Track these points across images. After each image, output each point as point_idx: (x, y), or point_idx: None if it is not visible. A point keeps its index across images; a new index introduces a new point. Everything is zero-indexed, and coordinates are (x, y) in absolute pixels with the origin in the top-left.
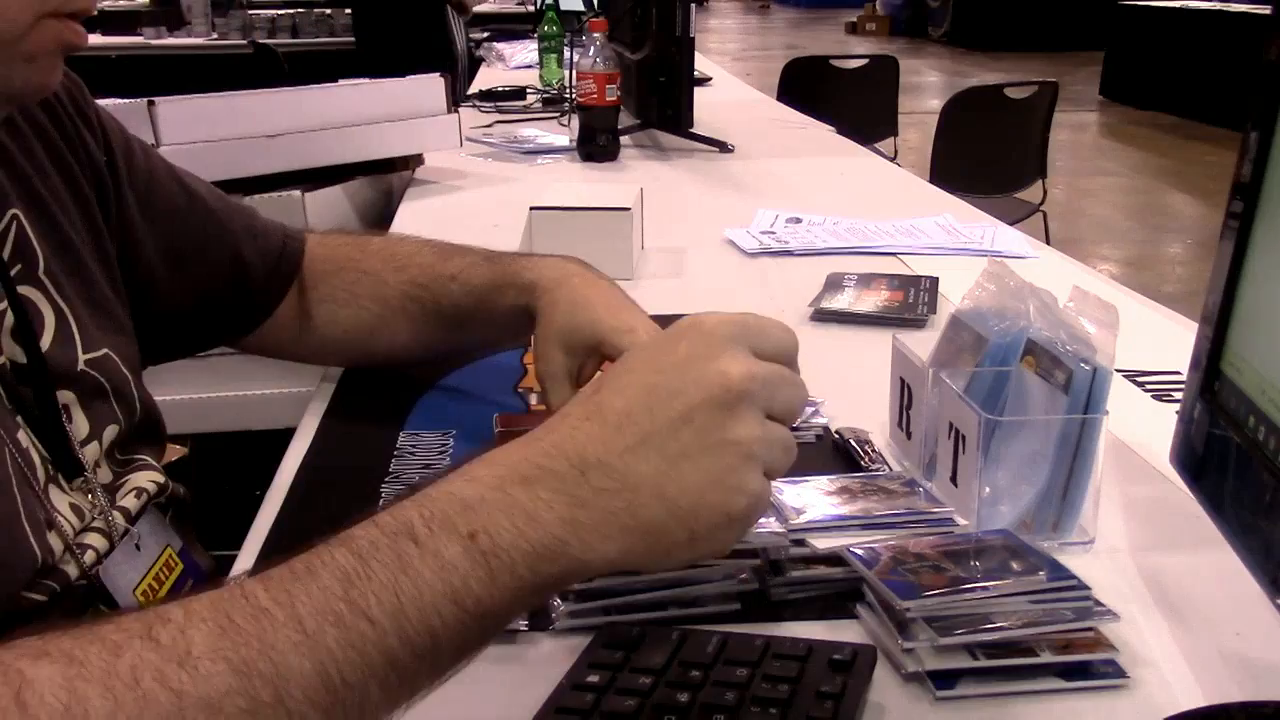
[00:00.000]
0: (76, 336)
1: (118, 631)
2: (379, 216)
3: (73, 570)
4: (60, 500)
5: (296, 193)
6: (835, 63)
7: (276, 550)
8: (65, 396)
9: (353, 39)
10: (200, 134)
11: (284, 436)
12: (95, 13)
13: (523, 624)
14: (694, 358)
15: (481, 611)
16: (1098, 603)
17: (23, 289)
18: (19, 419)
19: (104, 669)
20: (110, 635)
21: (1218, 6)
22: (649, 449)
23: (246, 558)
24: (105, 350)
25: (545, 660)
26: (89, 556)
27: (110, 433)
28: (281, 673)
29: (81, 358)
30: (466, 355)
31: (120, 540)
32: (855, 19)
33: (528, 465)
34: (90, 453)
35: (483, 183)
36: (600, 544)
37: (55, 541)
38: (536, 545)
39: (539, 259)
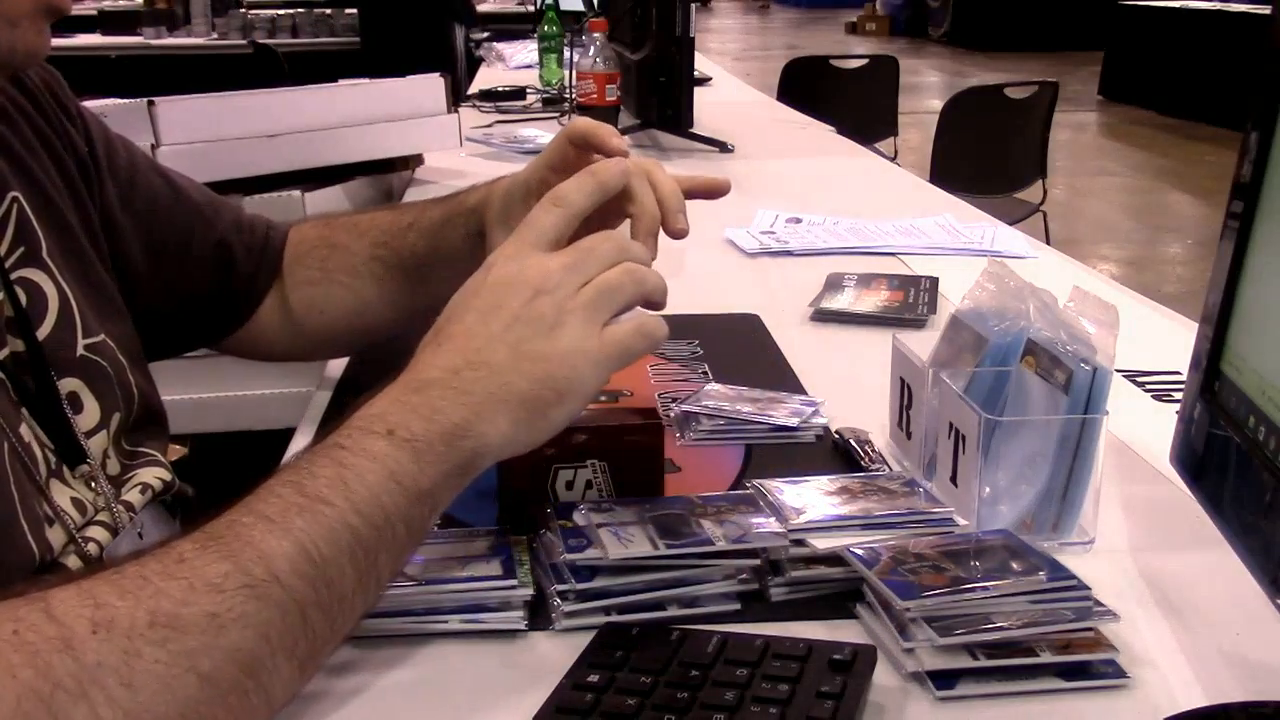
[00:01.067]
0: (78, 321)
1: (111, 566)
2: None
3: (75, 564)
4: (62, 494)
5: (296, 193)
6: (835, 63)
7: None
8: (73, 384)
9: (352, 39)
10: (200, 134)
11: (284, 436)
12: None
13: (523, 624)
14: (502, 274)
15: (418, 490)
16: (1098, 603)
17: (27, 271)
18: (24, 411)
19: (114, 581)
20: (107, 569)
21: (1218, 6)
22: (496, 345)
23: None
24: (102, 336)
25: (545, 660)
26: (91, 549)
27: (116, 421)
28: (265, 554)
29: (80, 343)
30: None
31: (124, 529)
32: (855, 19)
33: (415, 382)
34: (99, 443)
35: None
36: (494, 419)
37: (55, 537)
38: (445, 426)
39: (483, 183)
